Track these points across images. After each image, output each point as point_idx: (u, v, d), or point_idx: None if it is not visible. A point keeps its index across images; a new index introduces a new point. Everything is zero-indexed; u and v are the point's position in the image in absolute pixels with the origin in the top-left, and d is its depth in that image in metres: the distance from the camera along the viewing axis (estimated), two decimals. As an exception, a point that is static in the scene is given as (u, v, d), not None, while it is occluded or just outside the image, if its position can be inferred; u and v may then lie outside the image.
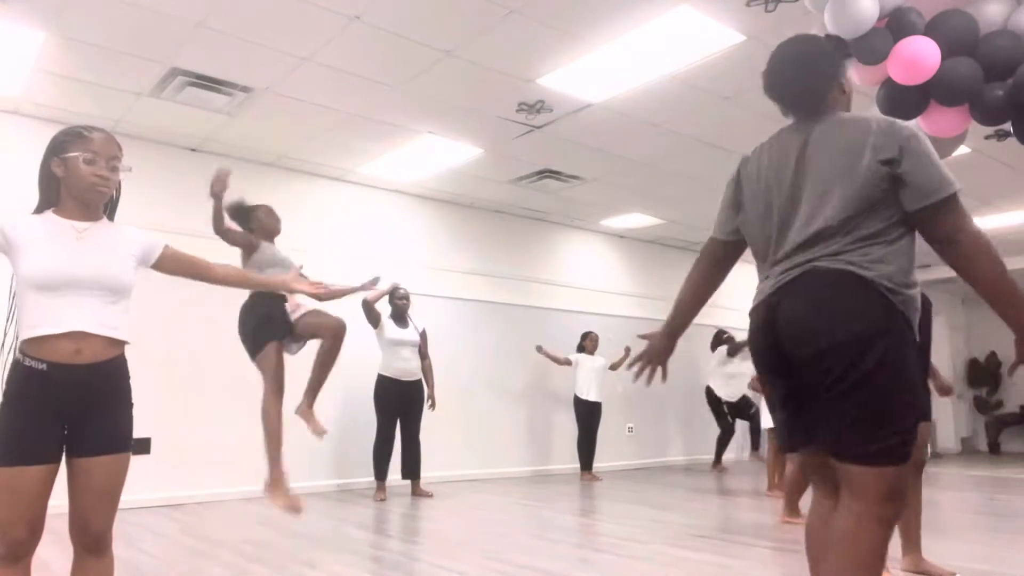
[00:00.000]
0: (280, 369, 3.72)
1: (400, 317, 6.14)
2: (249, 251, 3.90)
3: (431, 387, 6.20)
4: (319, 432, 3.68)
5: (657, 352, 2.12)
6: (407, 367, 6.03)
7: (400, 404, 6.03)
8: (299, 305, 3.85)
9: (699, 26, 4.06)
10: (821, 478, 1.85)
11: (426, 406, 6.16)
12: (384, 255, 7.00)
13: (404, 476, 6.08)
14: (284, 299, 3.84)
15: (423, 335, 6.25)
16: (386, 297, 6.13)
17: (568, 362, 7.60)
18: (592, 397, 7.57)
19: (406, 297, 6.18)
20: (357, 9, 3.91)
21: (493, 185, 7.05)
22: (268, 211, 4.09)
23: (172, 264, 2.11)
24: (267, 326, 3.75)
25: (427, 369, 6.23)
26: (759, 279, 1.93)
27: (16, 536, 1.79)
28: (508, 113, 5.30)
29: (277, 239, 4.13)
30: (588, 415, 7.56)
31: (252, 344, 3.76)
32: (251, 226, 4.01)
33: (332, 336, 3.80)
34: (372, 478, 5.97)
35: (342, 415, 6.30)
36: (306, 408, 3.76)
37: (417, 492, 6.03)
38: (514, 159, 6.31)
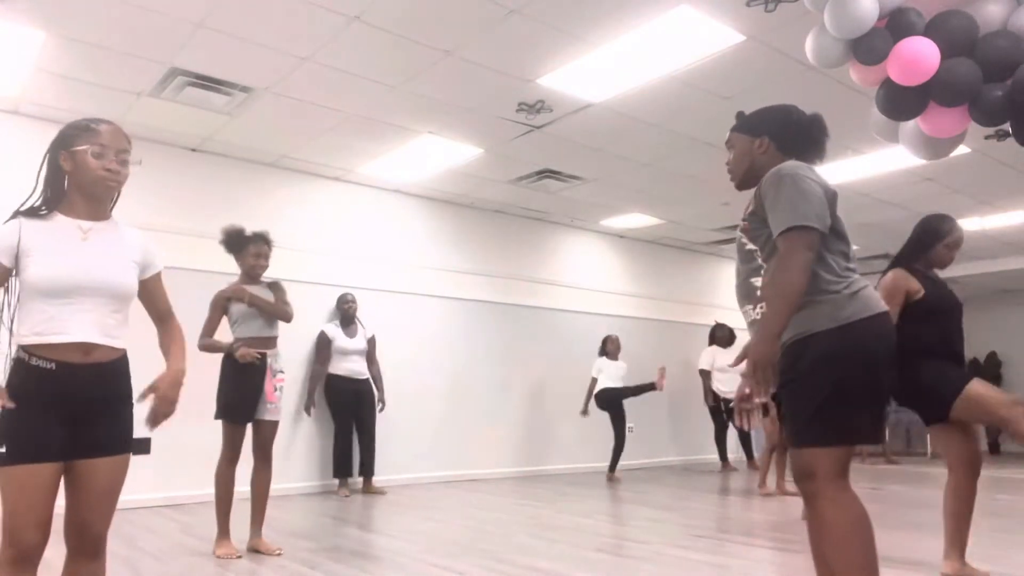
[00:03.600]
0: (239, 441, 3.79)
1: (348, 322, 6.25)
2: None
3: (381, 391, 6.37)
4: (272, 552, 3.74)
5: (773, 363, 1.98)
6: (356, 367, 6.22)
7: (354, 401, 6.18)
8: (276, 390, 3.84)
9: (699, 26, 4.06)
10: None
11: (378, 408, 6.35)
12: (384, 255, 7.01)
13: (360, 473, 6.22)
14: (263, 375, 3.78)
15: (371, 341, 6.38)
16: (335, 302, 6.34)
17: (594, 380, 7.57)
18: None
19: (353, 301, 6.30)
20: (357, 9, 3.91)
21: (493, 185, 7.05)
22: (257, 253, 3.93)
23: (152, 291, 2.05)
24: (236, 407, 3.75)
25: (376, 375, 6.38)
26: (850, 279, 2.07)
27: (27, 539, 1.75)
28: (508, 113, 5.30)
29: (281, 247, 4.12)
30: (617, 405, 7.50)
31: (219, 411, 3.79)
32: (237, 258, 3.97)
33: (263, 462, 3.84)
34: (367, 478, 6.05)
35: (329, 416, 6.30)
36: (255, 539, 3.81)
37: (371, 489, 6.14)
38: (514, 159, 6.31)
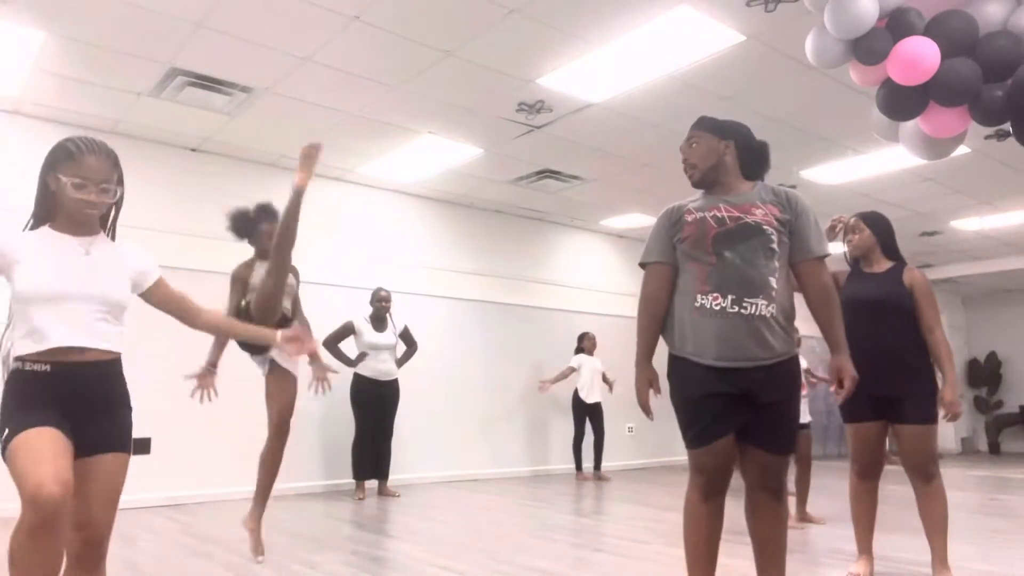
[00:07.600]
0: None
1: (380, 319, 6.12)
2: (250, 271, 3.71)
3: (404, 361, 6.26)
4: (258, 551, 3.51)
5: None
6: (384, 368, 6.07)
7: (377, 403, 6.06)
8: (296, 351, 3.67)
9: (699, 26, 4.06)
10: None
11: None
12: (384, 255, 7.01)
13: (372, 475, 6.10)
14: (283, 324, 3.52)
15: (405, 329, 6.26)
16: (368, 297, 6.19)
17: (572, 370, 7.54)
18: (592, 399, 7.52)
19: (387, 299, 6.12)
20: (357, 9, 3.91)
21: (493, 185, 7.06)
22: (271, 232, 3.64)
23: (160, 298, 2.11)
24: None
25: (407, 353, 6.30)
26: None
27: (49, 493, 1.63)
28: (508, 113, 5.30)
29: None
30: (586, 416, 7.54)
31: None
32: (252, 241, 3.81)
33: (276, 430, 3.55)
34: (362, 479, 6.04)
35: (330, 416, 6.30)
36: (252, 521, 3.56)
37: (385, 492, 6.05)
38: (514, 159, 6.31)
